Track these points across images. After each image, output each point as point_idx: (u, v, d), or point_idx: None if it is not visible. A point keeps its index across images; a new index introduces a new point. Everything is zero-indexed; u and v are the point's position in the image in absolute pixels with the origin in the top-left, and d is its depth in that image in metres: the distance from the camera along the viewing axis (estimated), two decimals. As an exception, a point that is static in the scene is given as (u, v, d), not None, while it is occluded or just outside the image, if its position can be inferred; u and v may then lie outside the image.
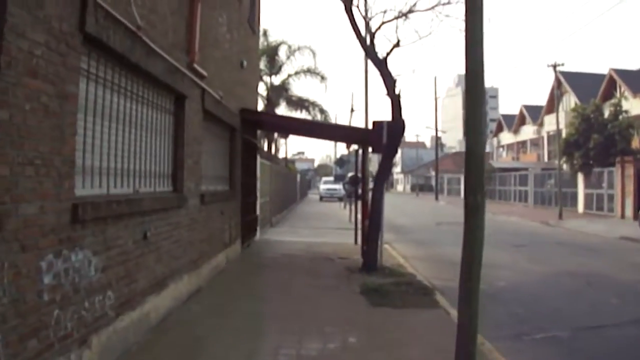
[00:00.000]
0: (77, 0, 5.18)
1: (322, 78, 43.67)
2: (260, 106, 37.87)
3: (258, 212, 18.48)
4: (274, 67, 42.81)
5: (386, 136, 12.57)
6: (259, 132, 20.44)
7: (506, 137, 71.30)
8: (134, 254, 6.80)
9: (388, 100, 12.74)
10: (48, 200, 4.73)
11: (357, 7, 12.94)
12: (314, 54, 43.70)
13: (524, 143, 67.28)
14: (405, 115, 12.72)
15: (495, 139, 75.23)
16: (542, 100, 59.53)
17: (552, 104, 48.62)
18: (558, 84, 39.05)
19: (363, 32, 13.12)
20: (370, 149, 15.14)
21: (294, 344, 7.11)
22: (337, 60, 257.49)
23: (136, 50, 6.73)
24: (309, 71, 43.25)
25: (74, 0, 5.11)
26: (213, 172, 12.05)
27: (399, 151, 14.07)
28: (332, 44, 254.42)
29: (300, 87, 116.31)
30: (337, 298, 9.86)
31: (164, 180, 8.58)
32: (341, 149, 78.58)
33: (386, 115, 12.92)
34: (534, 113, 61.44)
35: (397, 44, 12.74)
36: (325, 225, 25.79)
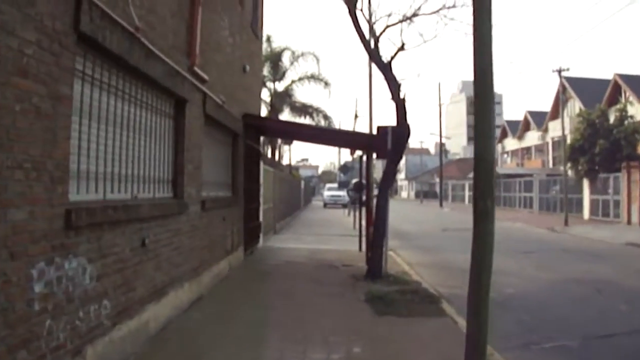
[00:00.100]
0: (71, -2, 5.00)
1: (326, 84, 43.65)
2: (264, 112, 37.76)
3: (261, 218, 18.29)
4: (278, 73, 42.78)
5: (391, 142, 12.41)
6: (262, 138, 20.29)
7: (510, 143, 71.10)
8: (131, 261, 6.60)
9: (392, 105, 12.56)
10: (39, 206, 4.54)
11: (361, 10, 12.80)
12: (317, 59, 43.70)
13: (528, 149, 67.10)
14: (409, 121, 12.53)
15: (499, 145, 75.05)
16: (546, 106, 59.42)
17: (557, 110, 48.43)
18: (563, 89, 38.81)
19: (367, 35, 12.95)
20: (374, 155, 14.99)
21: (298, 354, 6.90)
22: (341, 66, 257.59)
23: (134, 52, 6.55)
24: (312, 77, 43.22)
25: (67, -2, 4.93)
26: (215, 178, 11.86)
27: (403, 157, 13.88)
28: (336, 50, 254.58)
29: (304, 93, 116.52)
30: (341, 306, 9.64)
31: (164, 186, 8.39)
32: (345, 155, 78.42)
33: (391, 121, 12.73)
34: (539, 119, 61.27)
35: (402, 48, 12.57)
36: (329, 232, 25.59)
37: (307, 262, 15.14)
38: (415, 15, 12.88)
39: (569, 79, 46.15)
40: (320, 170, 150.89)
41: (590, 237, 24.92)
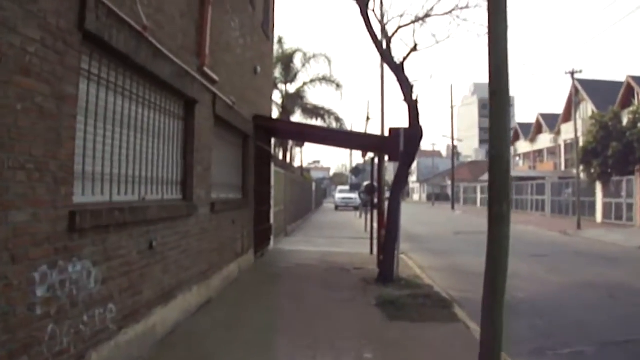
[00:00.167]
0: (76, -5, 4.90)
1: (338, 86, 43.61)
2: (275, 114, 37.76)
3: (272, 221, 18.17)
4: (289, 74, 42.75)
5: (403, 144, 12.25)
6: (273, 140, 20.18)
7: (522, 146, 70.74)
8: (138, 264, 6.48)
9: (405, 107, 12.42)
10: (42, 208, 4.43)
11: (373, 11, 12.68)
12: (329, 61, 43.64)
13: (540, 152, 66.73)
14: (422, 122, 12.38)
15: (511, 148, 74.61)
16: (558, 109, 59.08)
17: (569, 112, 48.15)
18: (575, 91, 38.52)
19: (379, 36, 12.82)
20: (386, 157, 14.85)
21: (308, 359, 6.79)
22: (353, 68, 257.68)
23: (142, 52, 6.44)
24: (324, 79, 43.18)
25: (72, -4, 4.83)
26: (225, 180, 11.75)
27: (415, 160, 13.73)
28: (347, 51, 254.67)
29: (315, 95, 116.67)
30: (352, 310, 9.50)
31: (173, 188, 8.29)
32: (357, 157, 78.46)
33: (403, 123, 12.62)
34: (551, 121, 60.93)
35: (415, 48, 12.43)
36: (341, 234, 25.46)
37: (318, 264, 15.01)
38: (427, 16, 12.79)
39: (581, 81, 45.82)
40: (331, 173, 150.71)
41: (603, 240, 24.69)
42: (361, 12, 12.41)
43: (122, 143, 6.38)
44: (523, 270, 14.29)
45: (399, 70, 12.40)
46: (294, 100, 43.71)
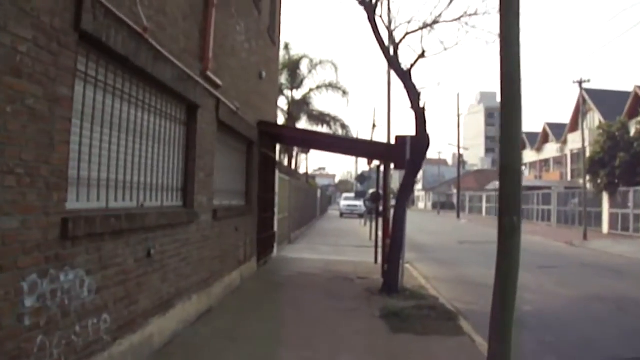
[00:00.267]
0: (72, -6, 4.71)
1: (344, 93, 43.48)
2: (281, 120, 37.62)
3: (276, 228, 17.99)
4: (296, 81, 42.66)
5: (409, 152, 12.07)
6: (278, 146, 20.03)
7: (529, 155, 70.44)
8: (135, 273, 6.28)
9: (411, 115, 12.23)
10: (32, 214, 4.25)
11: (381, 17, 12.51)
12: (336, 68, 43.54)
13: (547, 161, 66.46)
14: (428, 131, 12.18)
15: (518, 157, 74.26)
16: (565, 118, 58.91)
17: (576, 122, 47.93)
18: (583, 101, 38.25)
19: (386, 42, 12.65)
20: (392, 165, 14.68)
21: (307, 374, 6.60)
22: (359, 75, 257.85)
23: (142, 54, 6.25)
24: (330, 86, 43.05)
25: (68, -5, 4.65)
26: (228, 187, 11.57)
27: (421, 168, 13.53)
28: (354, 58, 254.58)
29: (321, 102, 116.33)
30: (355, 322, 9.28)
31: (173, 194, 8.10)
32: (362, 165, 78.24)
33: (409, 131, 12.43)
34: (557, 131, 60.72)
35: (422, 55, 12.24)
36: (345, 242, 25.24)
37: (321, 273, 14.80)
38: (436, 22, 12.61)
39: (588, 91, 45.57)
40: (337, 180, 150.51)
41: (609, 251, 24.46)
42: (369, 18, 12.25)
43: (120, 148, 6.19)
44: (530, 282, 14.05)
45: (406, 77, 12.21)
46: (299, 106, 43.57)
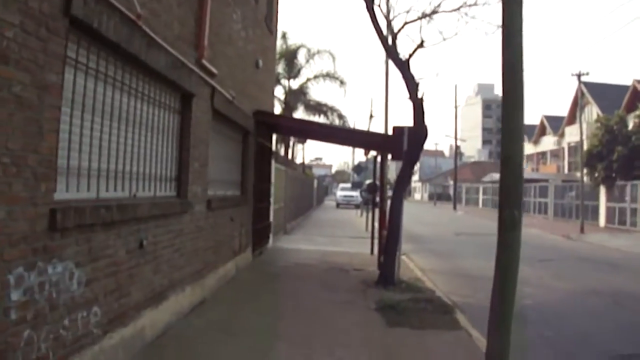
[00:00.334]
0: (62, -22, 4.56)
1: (342, 83, 43.29)
2: (278, 110, 37.46)
3: (271, 218, 17.87)
4: (293, 70, 42.49)
5: (407, 143, 11.95)
6: (275, 136, 19.88)
7: (526, 148, 69.64)
8: (126, 264, 6.16)
9: (409, 106, 12.11)
10: (19, 205, 4.11)
11: (379, 6, 12.35)
12: (333, 58, 43.46)
13: (544, 154, 66.48)
14: (426, 122, 12.05)
15: (515, 149, 74.22)
16: (562, 111, 58.90)
17: (574, 115, 47.87)
18: (581, 94, 38.09)
19: (385, 32, 12.50)
20: (389, 156, 14.57)
21: (302, 368, 6.49)
22: (357, 65, 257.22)
23: (135, 41, 6.10)
24: (328, 75, 42.88)
25: (57, -22, 4.49)
26: (223, 176, 11.43)
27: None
28: (352, 48, 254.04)
29: (318, 92, 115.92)
30: (351, 315, 9.17)
31: (167, 184, 7.96)
32: (359, 155, 78.03)
33: (407, 122, 12.31)
34: (555, 124, 60.73)
35: (421, 45, 12.09)
36: (341, 233, 25.18)
37: (317, 264, 14.70)
38: (435, 12, 12.48)
39: (586, 84, 45.47)
40: (333, 170, 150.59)
41: (606, 245, 24.45)
42: (367, 7, 12.09)
43: (112, 137, 6.04)
44: (528, 275, 13.95)
45: (404, 67, 12.07)
46: (296, 96, 43.41)
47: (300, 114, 43.53)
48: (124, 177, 6.43)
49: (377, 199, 16.06)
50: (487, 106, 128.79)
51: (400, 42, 18.52)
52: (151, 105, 7.22)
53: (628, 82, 43.75)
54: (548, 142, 62.90)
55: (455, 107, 67.56)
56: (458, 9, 12.50)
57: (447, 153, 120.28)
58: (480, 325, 7.76)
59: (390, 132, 13.14)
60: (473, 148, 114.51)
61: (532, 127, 68.85)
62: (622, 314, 10.62)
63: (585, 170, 34.97)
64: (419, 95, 11.94)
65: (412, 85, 11.96)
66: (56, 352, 4.66)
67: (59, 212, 4.56)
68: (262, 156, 15.40)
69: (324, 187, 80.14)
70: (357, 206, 46.03)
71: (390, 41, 12.51)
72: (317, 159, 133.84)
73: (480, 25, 45.89)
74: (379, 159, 16.21)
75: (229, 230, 11.45)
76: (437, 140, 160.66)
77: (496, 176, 63.09)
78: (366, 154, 35.79)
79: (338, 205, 57.43)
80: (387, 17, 12.72)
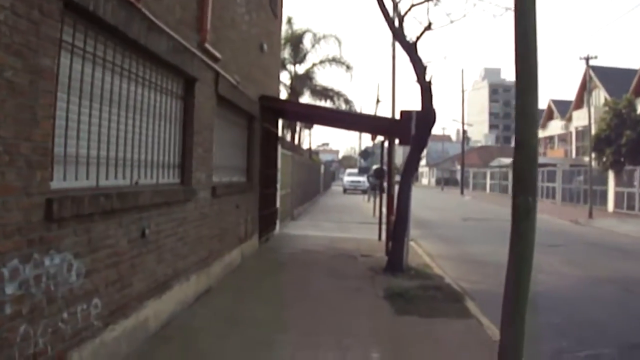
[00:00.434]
0: (56, -42, 4.36)
1: (348, 67, 43.10)
2: (284, 95, 37.28)
3: (278, 204, 17.72)
4: (298, 55, 42.33)
5: (415, 127, 11.75)
6: (281, 121, 19.71)
7: (534, 132, 70.09)
8: (128, 254, 6.00)
9: (417, 90, 11.90)
10: (12, 195, 3.94)
11: (386, -13, 12.10)
12: (339, 42, 43.40)
13: (551, 138, 66.05)
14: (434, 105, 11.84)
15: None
16: (570, 95, 58.51)
17: (581, 99, 47.50)
18: (589, 78, 37.70)
19: (391, 14, 12.25)
20: (397, 141, 14.37)
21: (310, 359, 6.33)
22: (363, 49, 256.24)
23: (134, 24, 5.91)
24: (334, 60, 42.71)
25: (50, -42, 4.29)
26: (228, 163, 11.26)
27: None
28: (358, 32, 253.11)
29: (325, 77, 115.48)
30: (359, 303, 9.02)
31: (170, 171, 7.80)
32: (366, 140, 77.91)
33: (414, 106, 12.11)
34: (562, 107, 60.30)
35: (429, 27, 11.86)
36: (349, 219, 25.03)
37: (324, 251, 14.56)
38: (442, -7, 12.22)
39: (594, 68, 45.00)
40: (340, 155, 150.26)
41: (615, 230, 24.24)
42: (373, -12, 11.85)
43: (111, 123, 5.87)
44: (538, 261, 13.60)
45: (411, 49, 11.84)
46: (302, 81, 43.22)
47: (306, 99, 43.43)
48: (125, 164, 6.26)
49: (385, 184, 15.89)
50: (493, 90, 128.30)
51: (407, 24, 18.25)
52: (153, 91, 7.04)
53: (636, 65, 43.40)
54: (555, 127, 62.48)
55: (462, 91, 67.32)
56: (466, -10, 12.28)
57: (454, 137, 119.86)
58: (491, 313, 7.60)
59: (397, 117, 12.94)
60: (480, 133, 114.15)
61: (540, 111, 68.29)
62: (632, 301, 10.45)
63: (593, 155, 34.64)
64: (427, 79, 11.72)
65: (419, 69, 11.74)
66: (55, 347, 4.51)
67: (56, 201, 4.39)
68: (268, 142, 15.22)
69: (330, 172, 79.93)
70: (364, 191, 45.87)
71: (397, 23, 12.27)
72: (323, 144, 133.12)
73: (488, 8, 45.53)
74: (386, 144, 16.02)
75: (234, 218, 11.30)
76: (444, 124, 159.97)
77: (504, 160, 62.89)
78: (373, 139, 35.58)
79: (345, 190, 57.26)
80: (393, -1, 12.48)
